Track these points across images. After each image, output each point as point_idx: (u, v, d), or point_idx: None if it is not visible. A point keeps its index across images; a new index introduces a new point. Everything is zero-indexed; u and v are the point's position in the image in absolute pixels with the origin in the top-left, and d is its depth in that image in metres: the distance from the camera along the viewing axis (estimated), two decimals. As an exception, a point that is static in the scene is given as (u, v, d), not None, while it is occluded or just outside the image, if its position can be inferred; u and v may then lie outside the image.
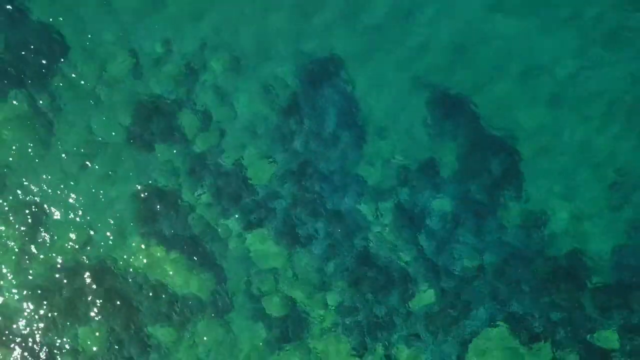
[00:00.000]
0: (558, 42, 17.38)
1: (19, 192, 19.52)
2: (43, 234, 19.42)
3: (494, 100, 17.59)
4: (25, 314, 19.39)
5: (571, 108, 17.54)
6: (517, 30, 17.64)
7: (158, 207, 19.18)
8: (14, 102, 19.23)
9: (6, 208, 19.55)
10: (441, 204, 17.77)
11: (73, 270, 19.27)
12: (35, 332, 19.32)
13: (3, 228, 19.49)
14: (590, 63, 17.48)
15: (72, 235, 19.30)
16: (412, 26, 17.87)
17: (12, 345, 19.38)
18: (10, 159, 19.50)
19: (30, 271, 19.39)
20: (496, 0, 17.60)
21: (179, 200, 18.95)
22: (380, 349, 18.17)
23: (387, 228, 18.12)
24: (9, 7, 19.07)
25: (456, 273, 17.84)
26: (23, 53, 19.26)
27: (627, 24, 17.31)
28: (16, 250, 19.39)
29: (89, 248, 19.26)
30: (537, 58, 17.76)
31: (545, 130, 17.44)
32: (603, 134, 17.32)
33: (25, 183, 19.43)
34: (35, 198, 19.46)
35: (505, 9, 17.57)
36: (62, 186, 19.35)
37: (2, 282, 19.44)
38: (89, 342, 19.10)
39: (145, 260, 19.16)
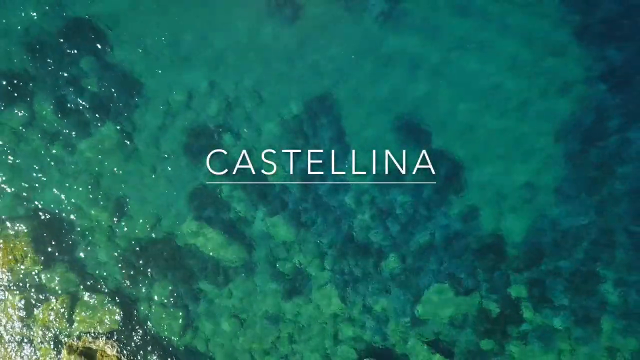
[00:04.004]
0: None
1: (108, 187, 21.02)
2: (125, 218, 20.99)
3: (448, 128, 19.71)
4: (114, 274, 21.05)
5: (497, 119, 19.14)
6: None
7: (205, 199, 20.89)
8: (105, 128, 20.95)
9: (99, 199, 21.06)
10: (403, 198, 19.97)
11: (146, 244, 20.98)
12: (121, 286, 20.97)
13: (97, 213, 21.00)
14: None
15: (146, 219, 20.95)
16: (391, 72, 19.80)
17: (105, 298, 20.98)
18: (103, 166, 21.25)
19: (117, 244, 21.06)
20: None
21: (220, 194, 20.95)
22: (360, 299, 20.31)
23: (365, 215, 20.24)
24: (106, 58, 20.84)
25: (413, 246, 20.03)
26: (111, 91, 20.95)
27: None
28: (107, 229, 21.08)
29: (157, 228, 20.89)
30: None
31: (478, 146, 19.51)
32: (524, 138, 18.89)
33: (112, 183, 21.12)
34: (120, 193, 21.17)
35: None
36: (138, 184, 21.09)
37: (97, 251, 20.94)
38: (159, 292, 20.91)
39: (196, 237, 20.77)
